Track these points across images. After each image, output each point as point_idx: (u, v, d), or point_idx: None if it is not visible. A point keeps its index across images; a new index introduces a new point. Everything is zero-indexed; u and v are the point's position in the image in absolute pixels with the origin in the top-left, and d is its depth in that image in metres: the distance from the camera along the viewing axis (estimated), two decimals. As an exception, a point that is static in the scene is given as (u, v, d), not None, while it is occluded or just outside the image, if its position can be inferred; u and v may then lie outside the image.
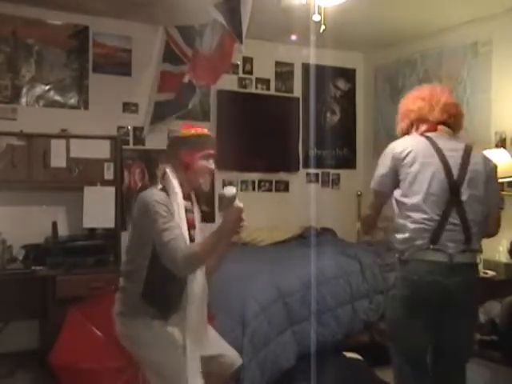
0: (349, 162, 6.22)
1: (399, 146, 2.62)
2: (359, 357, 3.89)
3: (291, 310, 3.79)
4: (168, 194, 2.46)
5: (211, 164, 2.58)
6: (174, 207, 2.44)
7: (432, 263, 2.45)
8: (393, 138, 2.70)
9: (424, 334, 2.47)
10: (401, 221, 2.54)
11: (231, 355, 2.77)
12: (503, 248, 4.35)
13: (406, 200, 2.53)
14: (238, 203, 2.30)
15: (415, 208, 2.49)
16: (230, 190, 2.29)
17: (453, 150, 2.56)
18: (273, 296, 3.76)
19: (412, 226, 2.48)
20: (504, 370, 3.13)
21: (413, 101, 2.74)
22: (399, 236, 2.54)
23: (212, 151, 2.59)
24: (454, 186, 2.50)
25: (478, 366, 3.16)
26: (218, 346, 2.73)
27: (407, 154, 2.56)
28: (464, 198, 2.50)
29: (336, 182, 6.12)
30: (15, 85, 4.65)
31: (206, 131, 2.63)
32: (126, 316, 2.54)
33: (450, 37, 5.11)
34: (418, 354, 2.48)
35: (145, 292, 2.47)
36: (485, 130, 4.73)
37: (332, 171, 6.11)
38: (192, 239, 2.51)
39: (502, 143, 4.60)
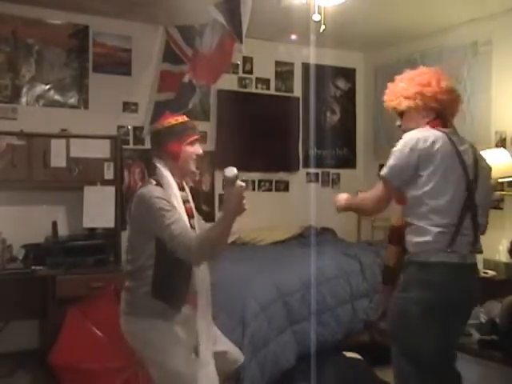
0: (349, 162, 6.22)
1: (426, 138, 2.45)
2: (359, 357, 3.90)
3: (291, 310, 3.80)
4: (163, 188, 2.47)
5: (198, 148, 2.59)
6: (172, 200, 2.44)
7: (450, 265, 2.42)
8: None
9: (435, 335, 2.44)
10: (420, 223, 2.44)
11: (234, 352, 2.80)
12: (503, 248, 4.35)
13: (430, 201, 2.42)
14: (240, 182, 2.28)
15: (439, 211, 2.41)
16: (231, 171, 2.28)
17: (465, 150, 2.52)
18: (273, 296, 3.76)
19: (434, 229, 2.41)
20: (504, 370, 3.12)
21: (439, 89, 2.54)
22: (417, 239, 2.44)
23: (196, 136, 2.60)
24: (470, 189, 2.47)
25: (478, 365, 3.16)
26: (222, 342, 2.74)
27: (437, 151, 2.43)
28: (477, 200, 2.48)
29: (336, 181, 6.12)
30: (15, 84, 4.65)
31: (185, 118, 2.63)
32: (132, 315, 2.52)
33: (450, 36, 5.11)
34: (425, 355, 2.44)
35: (154, 290, 2.45)
36: (485, 129, 4.73)
37: (332, 171, 6.12)
38: (193, 228, 2.50)
39: (501, 143, 4.59)
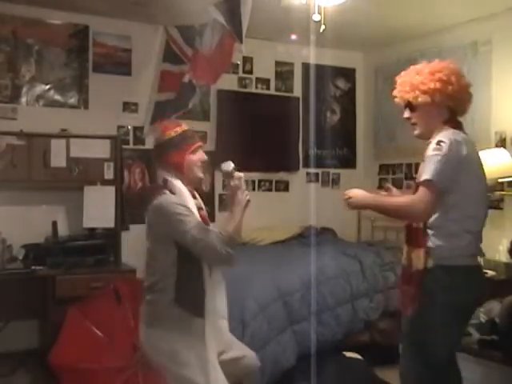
0: (349, 162, 6.22)
1: (466, 142, 2.43)
2: (359, 357, 3.89)
3: (291, 310, 3.80)
4: (177, 196, 2.47)
5: (202, 155, 2.58)
6: (191, 207, 2.45)
7: (473, 267, 2.49)
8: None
9: (453, 335, 2.50)
10: (454, 228, 2.42)
11: (250, 356, 2.75)
12: (503, 248, 4.35)
13: (465, 207, 2.41)
14: (238, 173, 2.34)
15: (472, 216, 2.43)
16: (229, 165, 2.35)
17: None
18: (272, 296, 3.76)
19: (468, 235, 2.43)
20: (504, 370, 3.13)
21: (459, 87, 2.49)
22: (451, 244, 2.42)
23: (198, 143, 2.59)
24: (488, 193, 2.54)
25: (478, 365, 3.17)
26: (238, 348, 2.71)
27: (472, 155, 2.45)
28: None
29: (336, 181, 6.11)
30: (15, 84, 4.65)
31: (184, 127, 2.61)
32: (154, 327, 2.49)
33: (450, 36, 5.10)
34: (442, 355, 2.46)
35: (178, 298, 2.42)
36: (485, 129, 4.72)
37: (332, 171, 6.11)
38: None
39: (501, 143, 4.59)
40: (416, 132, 2.60)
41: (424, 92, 2.48)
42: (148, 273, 2.54)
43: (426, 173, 2.38)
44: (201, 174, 2.58)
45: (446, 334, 2.45)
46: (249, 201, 2.32)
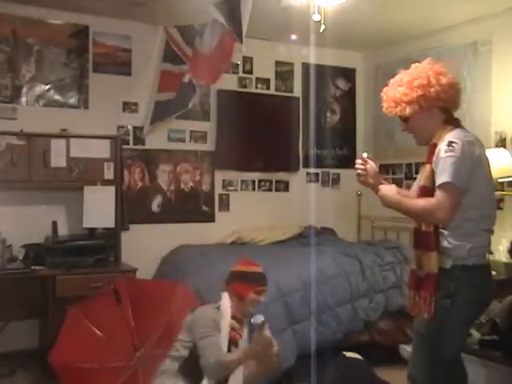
0: (349, 162, 6.19)
1: (477, 141, 2.45)
2: (359, 356, 3.89)
3: (291, 310, 3.80)
4: (219, 311, 2.80)
5: (261, 298, 2.88)
6: (223, 324, 2.74)
7: (488, 266, 2.53)
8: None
9: (466, 331, 2.61)
10: (473, 228, 2.42)
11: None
12: (503, 248, 4.35)
13: (481, 206, 2.43)
14: (267, 333, 2.61)
15: (488, 216, 2.46)
16: (259, 318, 2.60)
17: None
18: (273, 295, 3.75)
19: (486, 234, 2.46)
20: (504, 370, 3.12)
21: (441, 87, 2.46)
22: (471, 244, 2.41)
23: (264, 287, 2.88)
24: None
25: (478, 365, 3.16)
26: None
27: (485, 155, 2.47)
28: None
29: (336, 181, 6.11)
30: (15, 84, 4.65)
31: (259, 269, 2.92)
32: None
33: (450, 36, 5.11)
34: (458, 351, 2.52)
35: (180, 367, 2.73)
36: (485, 129, 4.72)
37: (332, 171, 6.11)
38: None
39: (501, 143, 4.60)
40: (416, 140, 2.64)
41: (408, 103, 2.49)
42: (171, 354, 2.80)
43: (443, 175, 2.36)
44: (252, 311, 2.83)
45: (464, 333, 2.54)
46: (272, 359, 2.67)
